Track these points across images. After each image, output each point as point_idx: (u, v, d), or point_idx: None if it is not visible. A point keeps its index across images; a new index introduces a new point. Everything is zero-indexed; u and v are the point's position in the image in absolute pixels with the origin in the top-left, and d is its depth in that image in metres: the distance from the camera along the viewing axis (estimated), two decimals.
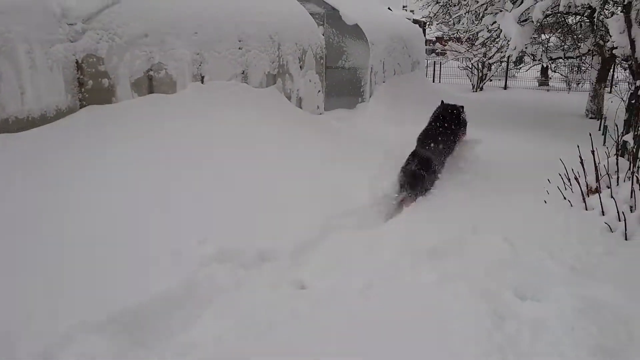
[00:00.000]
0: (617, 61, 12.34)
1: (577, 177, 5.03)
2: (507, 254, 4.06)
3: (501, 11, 10.74)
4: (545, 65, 17.49)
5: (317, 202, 5.37)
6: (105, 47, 5.19)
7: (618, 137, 6.29)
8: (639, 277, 3.65)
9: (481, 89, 18.13)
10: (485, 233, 4.45)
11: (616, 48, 6.33)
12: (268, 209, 5.09)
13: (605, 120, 10.50)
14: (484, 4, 10.92)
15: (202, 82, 6.56)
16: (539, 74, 20.15)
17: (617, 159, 5.10)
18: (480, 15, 11.12)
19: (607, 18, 12.24)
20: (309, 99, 9.04)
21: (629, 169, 4.94)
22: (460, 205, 5.39)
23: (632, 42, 5.94)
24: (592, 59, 12.31)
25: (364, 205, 5.44)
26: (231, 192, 5.20)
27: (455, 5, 12.71)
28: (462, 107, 7.12)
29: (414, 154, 6.16)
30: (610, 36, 6.41)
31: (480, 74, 17.60)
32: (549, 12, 10.60)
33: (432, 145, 6.26)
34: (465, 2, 11.14)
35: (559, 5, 9.32)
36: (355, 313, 3.44)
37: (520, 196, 5.41)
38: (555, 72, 17.63)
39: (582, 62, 12.73)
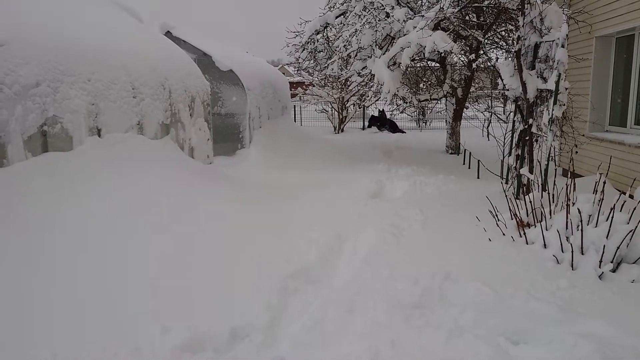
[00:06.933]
0: (467, 104, 13.70)
1: (516, 213, 5.26)
2: (490, 297, 3.99)
3: (370, 57, 11.31)
4: (381, 110, 19.09)
5: (262, 265, 4.88)
6: None
7: (518, 174, 6.81)
8: (620, 309, 3.82)
9: (342, 130, 18.86)
10: (458, 276, 4.36)
11: (508, 90, 6.90)
12: (214, 277, 4.48)
13: (470, 156, 11.49)
14: (354, 51, 11.39)
15: (100, 136, 5.67)
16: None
17: (542, 194, 5.47)
18: (352, 61, 11.55)
19: (453, 65, 13.67)
20: (200, 148, 8.43)
21: (554, 203, 5.31)
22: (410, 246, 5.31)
23: (524, 85, 6.53)
24: (447, 100, 13.49)
25: (311, 262, 5.06)
26: (167, 263, 4.49)
27: (321, 52, 13.06)
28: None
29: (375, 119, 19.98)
30: (502, 79, 6.99)
31: (340, 117, 18.31)
32: (415, 58, 11.42)
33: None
34: (338, 49, 11.49)
35: (423, 51, 10.11)
36: None
37: (461, 233, 5.50)
38: (402, 113, 19.02)
39: (442, 102, 13.88)
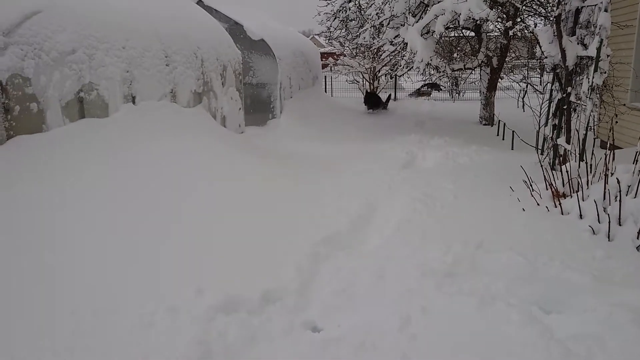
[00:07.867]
0: (502, 74, 13.32)
1: (551, 183, 5.15)
2: (523, 267, 3.94)
3: (403, 25, 11.07)
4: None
5: (294, 231, 4.93)
6: (32, 65, 4.26)
7: (555, 145, 6.64)
8: None
9: None
10: (490, 245, 4.32)
11: (546, 57, 6.68)
12: (246, 242, 4.55)
13: (504, 127, 11.25)
14: (386, 19, 11.18)
15: (134, 103, 5.75)
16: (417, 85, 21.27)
17: (579, 164, 5.33)
18: (384, 29, 11.34)
19: (489, 33, 13.27)
20: (232, 117, 8.48)
21: (591, 174, 5.17)
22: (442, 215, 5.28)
23: (563, 52, 6.31)
24: (481, 69, 13.15)
25: (342, 229, 5.08)
26: (200, 227, 4.58)
27: (353, 20, 12.86)
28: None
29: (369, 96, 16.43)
30: (540, 46, 6.76)
31: (372, 87, 18.08)
32: (449, 26, 11.14)
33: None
34: (370, 17, 11.29)
35: (457, 19, 9.83)
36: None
37: (494, 203, 5.43)
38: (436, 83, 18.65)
39: (472, 73, 13.56)
